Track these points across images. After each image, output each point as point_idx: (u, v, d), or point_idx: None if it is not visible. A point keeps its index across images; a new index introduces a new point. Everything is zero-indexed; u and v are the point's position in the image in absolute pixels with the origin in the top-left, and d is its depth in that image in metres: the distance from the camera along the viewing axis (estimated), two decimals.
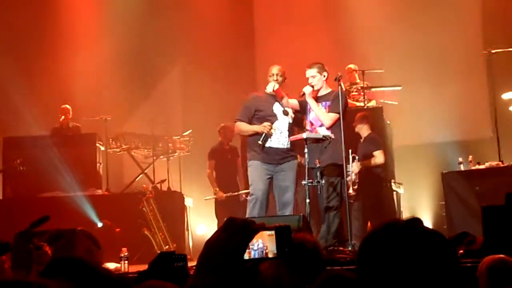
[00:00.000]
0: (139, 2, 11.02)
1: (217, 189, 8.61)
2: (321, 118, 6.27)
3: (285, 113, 6.41)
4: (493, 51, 8.42)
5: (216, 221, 8.54)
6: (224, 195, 8.52)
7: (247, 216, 6.12)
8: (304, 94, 6.30)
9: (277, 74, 6.39)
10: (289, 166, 6.36)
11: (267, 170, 6.34)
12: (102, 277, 1.54)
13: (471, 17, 10.06)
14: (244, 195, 8.04)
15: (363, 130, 7.87)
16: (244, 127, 6.51)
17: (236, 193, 8.52)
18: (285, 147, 6.33)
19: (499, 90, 8.42)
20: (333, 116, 6.22)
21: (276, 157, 6.33)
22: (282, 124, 6.40)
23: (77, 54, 10.63)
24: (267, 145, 6.33)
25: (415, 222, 1.46)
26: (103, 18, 10.88)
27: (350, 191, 7.04)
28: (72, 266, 1.54)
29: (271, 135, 6.31)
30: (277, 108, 6.42)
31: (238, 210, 7.67)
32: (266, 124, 6.30)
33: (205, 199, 8.98)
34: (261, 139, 6.27)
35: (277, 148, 6.32)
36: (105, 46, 10.72)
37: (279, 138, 6.34)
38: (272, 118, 6.38)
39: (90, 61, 10.55)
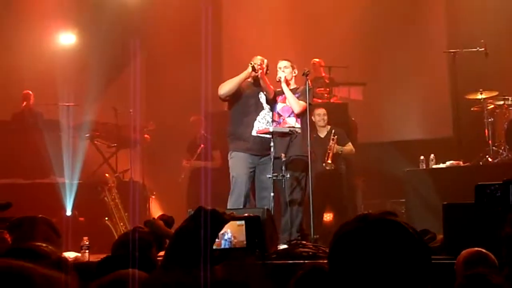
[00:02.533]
0: None
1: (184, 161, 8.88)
2: (292, 104, 6.30)
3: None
4: (455, 51, 8.55)
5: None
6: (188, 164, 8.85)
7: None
8: (279, 80, 6.32)
9: (259, 64, 6.38)
10: (271, 159, 6.22)
11: (251, 163, 6.29)
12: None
13: (435, 17, 10.18)
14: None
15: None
16: (229, 81, 6.39)
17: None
18: (270, 136, 6.25)
19: (461, 90, 8.54)
20: (303, 104, 6.27)
21: (262, 147, 6.26)
22: (268, 114, 6.40)
23: (40, 39, 10.43)
24: (254, 133, 6.29)
25: (387, 215, 1.46)
26: (67, 4, 10.67)
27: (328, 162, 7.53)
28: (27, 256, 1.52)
29: (258, 70, 6.24)
30: (262, 98, 6.42)
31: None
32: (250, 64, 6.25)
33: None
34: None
35: (263, 137, 6.25)
36: (70, 32, 10.54)
37: (267, 127, 6.32)
38: (258, 107, 6.38)
39: (52, 47, 10.36)
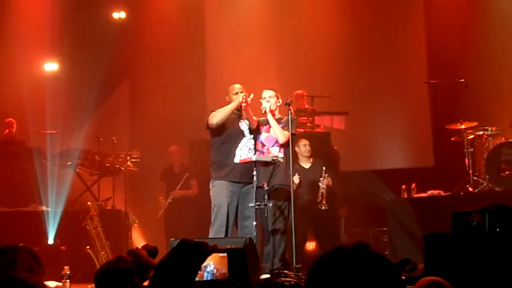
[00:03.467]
0: (86, 15, 10.87)
1: (160, 197, 9.06)
2: (277, 134, 6.32)
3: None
4: (435, 81, 8.69)
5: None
6: (166, 201, 9.04)
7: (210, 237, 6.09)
8: (265, 111, 6.37)
9: (240, 92, 6.43)
10: (253, 188, 6.21)
11: (233, 191, 6.26)
12: None
13: (416, 49, 10.33)
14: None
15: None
16: (220, 110, 6.37)
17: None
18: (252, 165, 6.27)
19: (442, 121, 8.66)
20: (288, 134, 6.31)
21: (245, 175, 6.25)
22: (249, 141, 6.42)
23: (23, 66, 10.42)
24: (236, 160, 6.31)
25: (363, 246, 1.49)
26: (49, 30, 10.69)
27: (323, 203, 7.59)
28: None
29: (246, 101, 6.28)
30: (243, 126, 6.46)
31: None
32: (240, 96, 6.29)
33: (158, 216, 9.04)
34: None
35: (245, 165, 6.25)
36: (53, 60, 10.57)
37: (248, 155, 6.33)
38: (239, 135, 6.41)
39: (35, 74, 10.36)
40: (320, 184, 7.72)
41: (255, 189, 6.10)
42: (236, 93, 6.40)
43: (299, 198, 7.85)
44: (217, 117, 6.33)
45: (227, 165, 6.29)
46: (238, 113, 6.44)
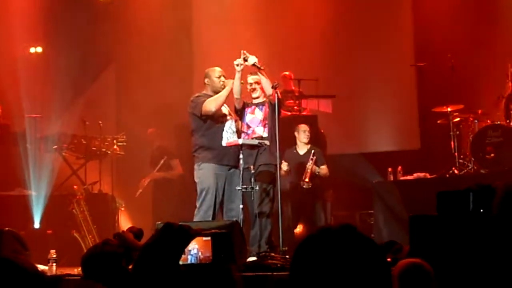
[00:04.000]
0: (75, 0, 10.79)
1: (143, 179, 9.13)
2: (266, 88, 6.31)
3: (245, 59, 6.34)
4: (422, 64, 8.72)
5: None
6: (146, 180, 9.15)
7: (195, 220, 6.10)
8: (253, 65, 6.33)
9: (219, 76, 6.42)
10: (240, 171, 6.22)
11: (220, 174, 6.27)
12: (31, 275, 1.52)
13: (403, 32, 10.32)
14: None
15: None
16: (216, 97, 6.32)
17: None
18: (238, 148, 6.25)
19: (428, 103, 8.69)
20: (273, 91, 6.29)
21: (232, 157, 6.27)
22: (233, 123, 6.45)
23: (7, 50, 10.32)
24: (223, 143, 6.30)
25: (348, 227, 1.49)
26: (36, 13, 10.58)
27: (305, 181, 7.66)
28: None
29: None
30: (224, 109, 6.45)
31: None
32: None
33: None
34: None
35: (233, 148, 6.27)
36: (37, 43, 10.47)
37: (233, 137, 6.34)
38: (223, 118, 6.41)
39: (21, 58, 10.26)
40: (307, 164, 7.76)
41: (241, 172, 6.10)
42: (219, 77, 6.38)
43: (287, 181, 7.90)
44: (215, 104, 6.29)
45: (214, 148, 6.29)
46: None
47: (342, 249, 1.39)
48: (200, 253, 1.37)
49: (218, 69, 6.51)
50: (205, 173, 6.27)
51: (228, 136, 6.35)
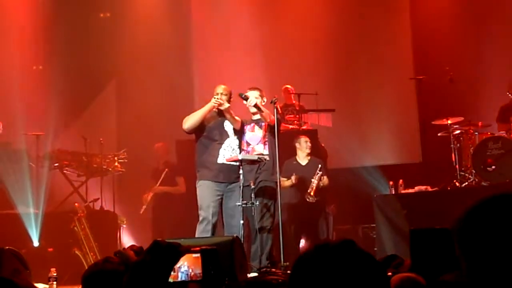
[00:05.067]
0: (73, 16, 10.82)
1: (145, 194, 9.13)
2: (265, 117, 6.32)
3: (245, 98, 6.37)
4: (421, 77, 8.73)
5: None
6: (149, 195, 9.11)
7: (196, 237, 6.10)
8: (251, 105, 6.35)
9: (221, 93, 6.42)
10: (239, 187, 6.23)
11: (218, 190, 6.28)
12: None
13: (402, 46, 10.36)
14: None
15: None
16: (192, 114, 6.39)
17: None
18: (237, 165, 6.27)
19: (428, 116, 8.69)
20: (271, 116, 6.30)
21: (229, 174, 6.28)
22: (233, 142, 6.42)
23: (9, 67, 10.36)
24: (219, 161, 6.31)
25: (347, 243, 1.48)
26: (36, 30, 10.63)
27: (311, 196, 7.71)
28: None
29: (222, 105, 6.26)
30: (227, 126, 6.45)
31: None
32: (214, 99, 6.27)
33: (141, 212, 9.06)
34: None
35: (230, 165, 6.28)
36: (37, 61, 10.51)
37: (232, 155, 6.34)
38: (223, 135, 6.40)
39: (22, 75, 10.30)
40: (312, 179, 7.76)
41: (241, 188, 6.10)
42: (217, 94, 6.40)
43: (290, 195, 7.89)
44: (188, 122, 6.39)
45: (211, 165, 6.31)
46: (221, 114, 6.43)
47: (340, 265, 1.38)
48: (190, 270, 1.37)
49: (220, 87, 6.50)
50: (202, 190, 6.32)
51: (225, 154, 6.35)
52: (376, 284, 1.38)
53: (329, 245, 1.44)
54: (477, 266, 1.38)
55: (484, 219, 1.40)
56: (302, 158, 8.12)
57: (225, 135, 6.42)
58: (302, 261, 1.43)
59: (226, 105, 6.28)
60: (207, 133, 6.41)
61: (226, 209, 6.29)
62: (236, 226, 6.12)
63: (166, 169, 9.19)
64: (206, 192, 6.26)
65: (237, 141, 6.45)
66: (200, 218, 6.24)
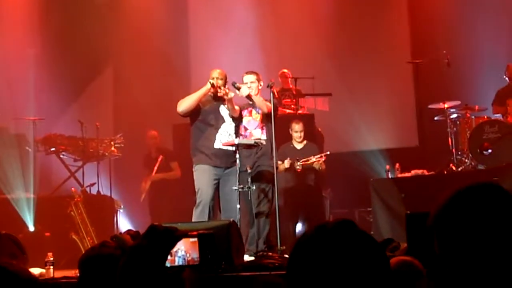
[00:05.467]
0: (71, 2, 10.78)
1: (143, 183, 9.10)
2: (261, 107, 6.31)
3: (238, 88, 6.33)
4: (418, 61, 8.72)
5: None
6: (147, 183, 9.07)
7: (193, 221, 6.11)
8: (248, 95, 6.34)
9: (217, 78, 6.39)
10: (235, 171, 6.20)
11: (215, 174, 6.28)
12: (23, 281, 1.51)
13: (400, 29, 10.34)
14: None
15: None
16: (187, 97, 6.36)
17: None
18: (233, 149, 6.25)
19: (425, 100, 8.69)
20: (270, 105, 6.29)
21: (225, 159, 6.28)
22: (229, 127, 6.41)
23: (5, 51, 10.31)
24: (217, 146, 6.30)
25: (346, 224, 1.47)
26: (32, 15, 10.57)
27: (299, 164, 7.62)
28: None
29: (217, 88, 6.25)
30: (223, 111, 6.43)
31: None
32: (209, 82, 6.26)
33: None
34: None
35: (227, 150, 6.28)
36: (34, 45, 10.45)
37: (228, 140, 6.33)
38: (219, 120, 6.39)
39: (18, 60, 10.26)
40: (313, 157, 7.71)
41: (238, 172, 6.10)
42: (212, 78, 6.37)
43: (287, 179, 7.89)
44: (183, 105, 6.35)
45: (207, 150, 6.30)
46: (217, 98, 6.40)
47: (340, 246, 1.37)
48: (187, 255, 1.37)
49: (217, 71, 6.47)
50: (200, 174, 6.31)
51: (222, 139, 6.34)
52: (376, 264, 1.38)
53: (327, 225, 1.43)
54: (454, 258, 1.38)
55: (459, 212, 1.40)
56: (297, 142, 8.12)
57: (221, 120, 6.40)
58: (301, 243, 1.42)
59: (231, 94, 6.24)
60: (203, 117, 6.39)
61: (223, 193, 6.29)
62: (233, 211, 6.12)
63: (161, 156, 9.18)
64: (203, 176, 6.27)
65: (233, 126, 6.43)
66: (197, 202, 6.24)
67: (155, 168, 9.16)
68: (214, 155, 6.28)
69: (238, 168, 6.10)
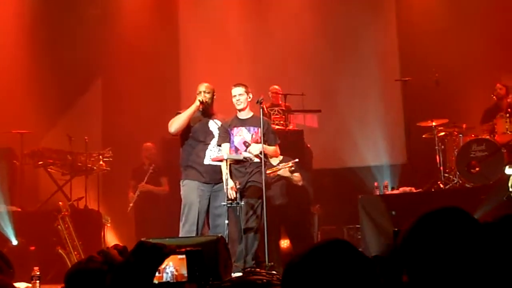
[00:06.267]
0: (60, 13, 10.75)
1: (130, 193, 9.08)
2: (272, 156, 6.34)
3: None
4: (407, 79, 8.78)
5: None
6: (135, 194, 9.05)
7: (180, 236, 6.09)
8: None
9: (204, 92, 6.39)
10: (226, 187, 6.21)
11: (203, 190, 6.26)
12: None
13: (389, 47, 10.40)
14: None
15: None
16: (177, 117, 6.34)
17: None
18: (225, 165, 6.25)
19: (414, 118, 8.74)
20: (277, 149, 6.34)
21: (214, 175, 6.27)
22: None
23: None
24: (205, 162, 6.29)
25: (340, 244, 1.47)
26: (20, 27, 10.54)
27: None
28: None
29: (206, 103, 6.23)
30: (212, 126, 6.43)
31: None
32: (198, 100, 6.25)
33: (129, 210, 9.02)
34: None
35: (215, 166, 6.28)
36: (22, 58, 10.42)
37: (218, 155, 6.32)
38: (208, 135, 6.38)
39: (6, 72, 10.21)
40: (280, 164, 7.50)
41: (227, 188, 6.09)
42: (199, 93, 6.37)
43: (275, 195, 7.85)
44: (174, 125, 6.36)
45: (197, 166, 6.30)
46: (206, 114, 6.42)
47: (334, 266, 1.38)
48: (175, 271, 1.36)
49: (202, 85, 6.49)
50: (187, 190, 6.30)
51: (212, 154, 6.35)
52: (370, 282, 1.38)
53: (322, 246, 1.43)
54: (420, 281, 1.39)
55: (423, 237, 1.42)
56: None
57: (210, 135, 6.41)
58: (296, 263, 1.42)
59: (246, 154, 6.24)
60: (193, 134, 6.40)
61: (212, 209, 6.28)
62: (221, 226, 6.11)
63: (153, 165, 9.17)
64: (191, 192, 6.26)
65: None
66: (184, 219, 6.21)
67: (146, 177, 9.12)
68: (204, 172, 6.28)
69: (227, 184, 6.09)
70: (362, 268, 1.39)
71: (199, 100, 6.27)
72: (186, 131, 6.40)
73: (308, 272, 1.38)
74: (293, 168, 7.52)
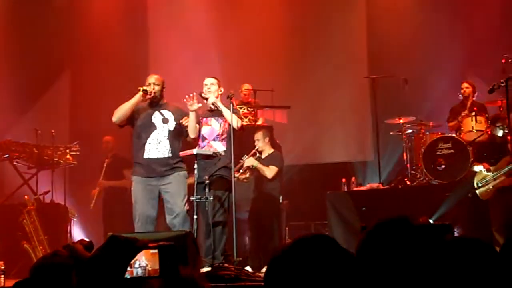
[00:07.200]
0: (27, 4, 10.58)
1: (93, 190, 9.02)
2: (232, 121, 6.22)
3: (165, 121, 6.30)
4: (375, 76, 8.86)
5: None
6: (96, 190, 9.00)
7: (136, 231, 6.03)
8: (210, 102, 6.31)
9: (154, 84, 6.32)
10: (176, 179, 6.15)
11: (152, 186, 6.16)
12: None
13: (358, 44, 10.48)
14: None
15: (267, 148, 7.96)
16: (120, 108, 6.23)
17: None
18: (166, 156, 6.17)
19: (382, 115, 8.82)
20: (240, 122, 6.30)
21: (158, 168, 6.15)
22: (160, 133, 6.27)
23: None
24: (146, 156, 6.19)
25: (323, 239, 1.48)
26: None
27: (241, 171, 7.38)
28: None
29: (151, 93, 6.17)
30: (156, 118, 6.33)
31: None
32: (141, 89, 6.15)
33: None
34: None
35: (157, 159, 6.15)
36: None
37: (158, 148, 6.19)
38: (149, 128, 6.29)
39: None
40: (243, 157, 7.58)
41: (196, 182, 6.08)
42: (149, 84, 6.30)
43: (243, 189, 7.85)
44: (117, 114, 6.25)
45: (140, 160, 6.22)
46: (153, 105, 6.32)
47: (317, 259, 1.39)
48: (148, 266, 1.36)
49: (153, 76, 6.39)
50: (135, 186, 6.24)
51: (151, 148, 6.21)
52: (354, 279, 1.39)
53: (303, 238, 1.43)
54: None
55: (374, 246, 1.47)
56: (263, 153, 8.03)
57: (152, 128, 6.26)
58: (279, 258, 1.42)
59: (196, 106, 6.14)
60: (136, 128, 6.31)
61: (165, 202, 6.19)
62: (176, 217, 6.04)
63: (106, 160, 9.09)
64: (137, 187, 6.18)
65: (165, 131, 6.27)
66: (134, 214, 6.16)
67: (102, 174, 9.04)
68: (146, 166, 6.17)
69: (196, 179, 6.08)
70: (345, 263, 1.41)
71: (142, 89, 6.16)
72: (133, 125, 6.32)
73: (291, 266, 1.39)
74: (258, 155, 7.59)
